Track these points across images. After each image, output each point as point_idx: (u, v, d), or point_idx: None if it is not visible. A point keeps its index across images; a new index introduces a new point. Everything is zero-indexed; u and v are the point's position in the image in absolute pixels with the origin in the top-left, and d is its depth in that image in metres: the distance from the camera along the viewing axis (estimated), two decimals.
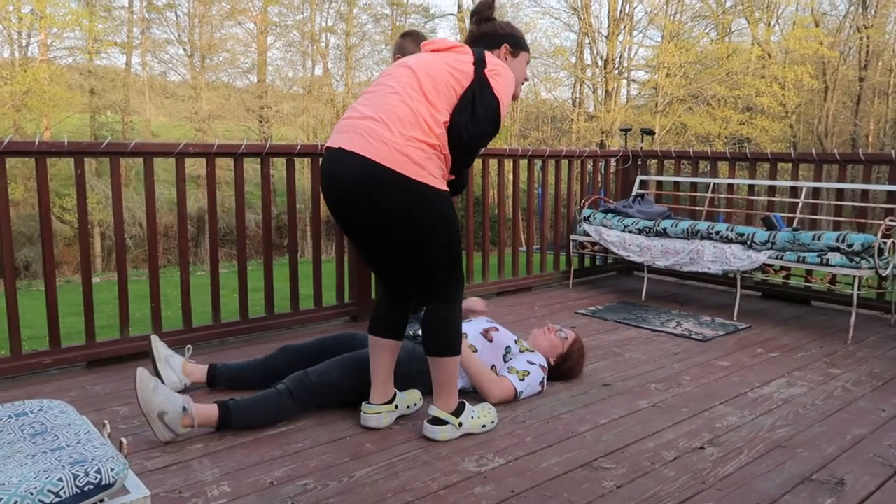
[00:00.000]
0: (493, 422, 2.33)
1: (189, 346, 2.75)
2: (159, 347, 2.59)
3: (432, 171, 2.05)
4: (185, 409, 2.17)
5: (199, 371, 2.61)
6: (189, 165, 3.32)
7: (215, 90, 21.80)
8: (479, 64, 2.12)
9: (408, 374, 2.49)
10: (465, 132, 2.07)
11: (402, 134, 2.01)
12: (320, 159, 2.16)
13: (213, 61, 22.32)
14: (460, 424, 2.24)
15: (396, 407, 2.37)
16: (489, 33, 2.29)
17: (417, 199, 2.03)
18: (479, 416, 2.30)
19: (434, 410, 2.24)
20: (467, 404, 2.30)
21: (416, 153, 2.01)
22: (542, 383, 2.65)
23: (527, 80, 2.42)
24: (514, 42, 2.31)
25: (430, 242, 2.10)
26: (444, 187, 2.10)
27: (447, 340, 2.19)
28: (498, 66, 2.15)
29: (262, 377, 2.57)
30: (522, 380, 2.57)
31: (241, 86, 23.33)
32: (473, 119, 2.08)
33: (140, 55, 21.64)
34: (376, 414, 2.32)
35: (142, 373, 2.12)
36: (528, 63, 2.38)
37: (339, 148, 2.06)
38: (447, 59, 2.13)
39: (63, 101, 18.92)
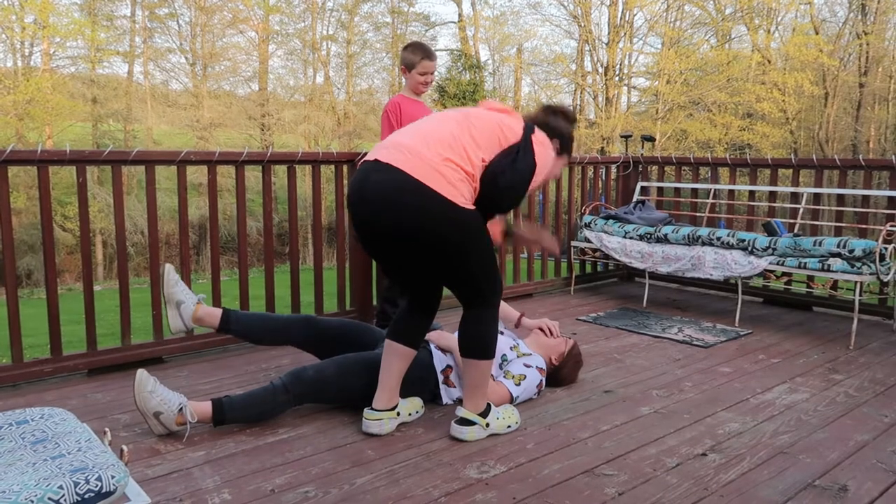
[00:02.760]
0: (516, 422, 2.38)
1: (202, 294, 2.65)
2: (171, 290, 2.48)
3: (463, 193, 2.08)
4: (181, 408, 2.23)
5: (212, 317, 2.53)
6: (191, 173, 3.33)
7: (217, 98, 21.87)
8: (528, 130, 2.21)
9: (408, 381, 2.49)
10: (502, 176, 2.12)
11: (439, 154, 2.06)
12: (353, 169, 2.18)
13: (215, 70, 22.41)
14: (487, 425, 2.29)
15: (398, 414, 2.37)
16: (552, 125, 2.33)
17: (445, 214, 2.05)
18: (504, 417, 2.36)
19: (462, 412, 2.29)
20: (492, 405, 2.35)
21: (450, 173, 2.05)
22: (538, 386, 2.65)
23: (557, 177, 2.45)
24: (565, 144, 2.36)
25: (465, 257, 2.13)
26: (472, 207, 2.12)
27: (484, 344, 2.24)
28: (544, 141, 2.23)
29: (277, 341, 2.56)
30: (518, 384, 2.57)
31: (242, 94, 23.43)
32: (513, 168, 2.13)
33: (142, 64, 21.74)
34: (378, 420, 2.32)
35: (141, 374, 2.22)
36: (563, 166, 2.44)
37: (376, 160, 2.10)
38: (500, 118, 2.21)
39: (65, 109, 19.00)
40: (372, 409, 2.34)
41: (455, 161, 2.07)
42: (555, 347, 2.80)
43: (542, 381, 2.66)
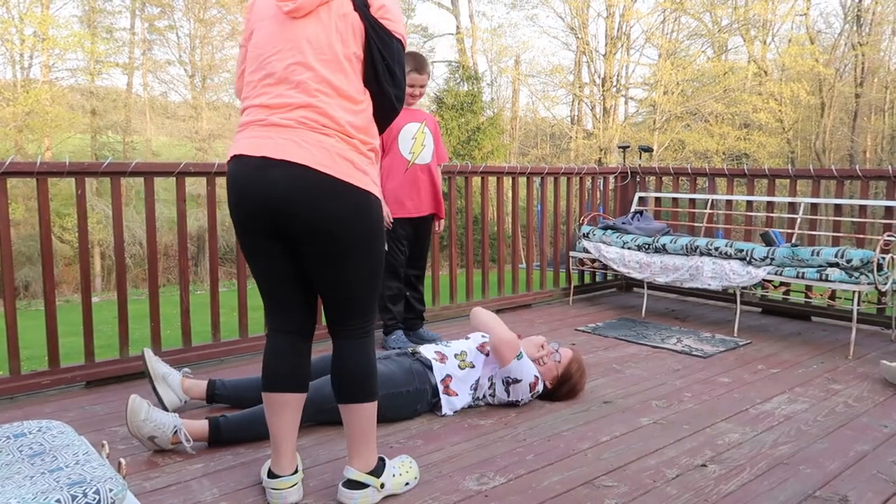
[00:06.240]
0: (415, 478, 2.04)
1: (186, 368, 2.73)
2: (154, 365, 2.56)
3: (374, 178, 1.84)
4: (175, 430, 2.20)
5: (199, 388, 2.60)
6: (189, 184, 3.33)
7: (216, 110, 21.91)
8: (361, 5, 1.79)
9: (405, 394, 2.48)
10: (396, 101, 1.87)
11: (343, 138, 1.78)
12: (230, 169, 1.86)
13: (214, 81, 22.46)
14: (382, 486, 1.93)
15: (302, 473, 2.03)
16: None
17: (361, 208, 1.79)
18: (401, 474, 2.00)
19: (352, 472, 1.91)
20: (387, 460, 2.00)
21: (359, 158, 1.79)
22: (532, 385, 2.65)
23: None
24: None
25: (363, 259, 1.83)
26: (380, 195, 1.89)
27: (368, 382, 1.90)
28: None
29: (260, 399, 2.56)
30: (520, 359, 2.61)
31: (241, 105, 23.45)
32: (395, 83, 1.84)
33: (141, 76, 21.81)
34: (294, 486, 1.92)
35: (133, 400, 2.17)
36: None
37: (265, 157, 1.75)
38: (328, 24, 1.77)
39: (65, 121, 19.03)
40: (280, 476, 1.91)
41: (362, 141, 1.80)
42: (546, 373, 2.75)
43: (540, 384, 2.68)
